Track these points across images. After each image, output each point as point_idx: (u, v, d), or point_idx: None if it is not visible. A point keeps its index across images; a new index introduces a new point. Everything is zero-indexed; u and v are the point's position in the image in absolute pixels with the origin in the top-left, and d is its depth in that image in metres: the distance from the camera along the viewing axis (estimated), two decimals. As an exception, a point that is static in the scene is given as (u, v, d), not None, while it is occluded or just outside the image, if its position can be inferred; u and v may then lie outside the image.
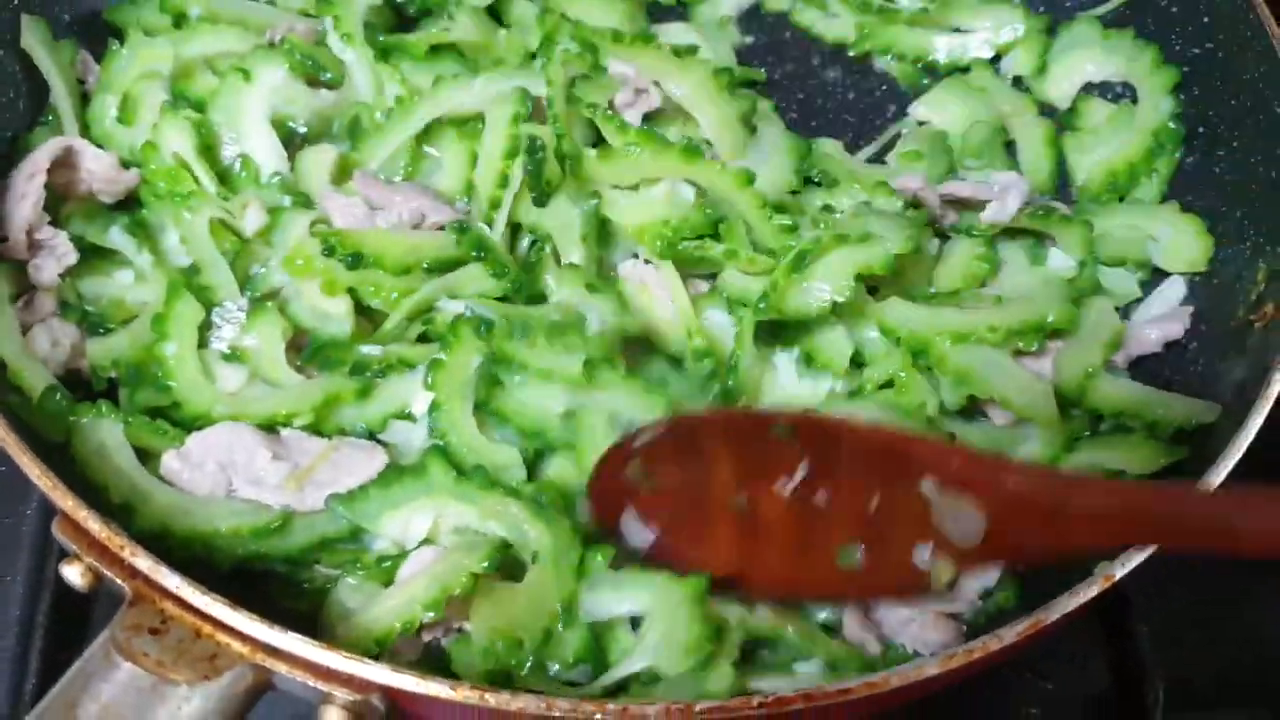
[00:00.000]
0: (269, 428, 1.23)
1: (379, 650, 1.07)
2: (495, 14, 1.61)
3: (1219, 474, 1.11)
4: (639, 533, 1.12)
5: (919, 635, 1.20)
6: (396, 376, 1.27)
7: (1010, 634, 0.99)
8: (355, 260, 1.25)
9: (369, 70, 1.46)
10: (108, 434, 1.18)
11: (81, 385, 1.28)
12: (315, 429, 1.24)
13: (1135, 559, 1.04)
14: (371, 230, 1.28)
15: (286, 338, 1.28)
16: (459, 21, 1.52)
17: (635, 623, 1.16)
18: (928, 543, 1.05)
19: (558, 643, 1.13)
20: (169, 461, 1.18)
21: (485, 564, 1.10)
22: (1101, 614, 1.42)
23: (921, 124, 1.64)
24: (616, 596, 1.15)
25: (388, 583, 1.14)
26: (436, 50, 1.49)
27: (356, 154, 1.42)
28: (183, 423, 1.23)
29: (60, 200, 1.33)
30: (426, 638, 1.15)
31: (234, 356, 1.27)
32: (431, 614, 1.07)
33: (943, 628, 1.20)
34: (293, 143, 1.42)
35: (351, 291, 1.29)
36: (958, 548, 1.04)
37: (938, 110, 1.64)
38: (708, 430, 1.19)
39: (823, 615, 1.22)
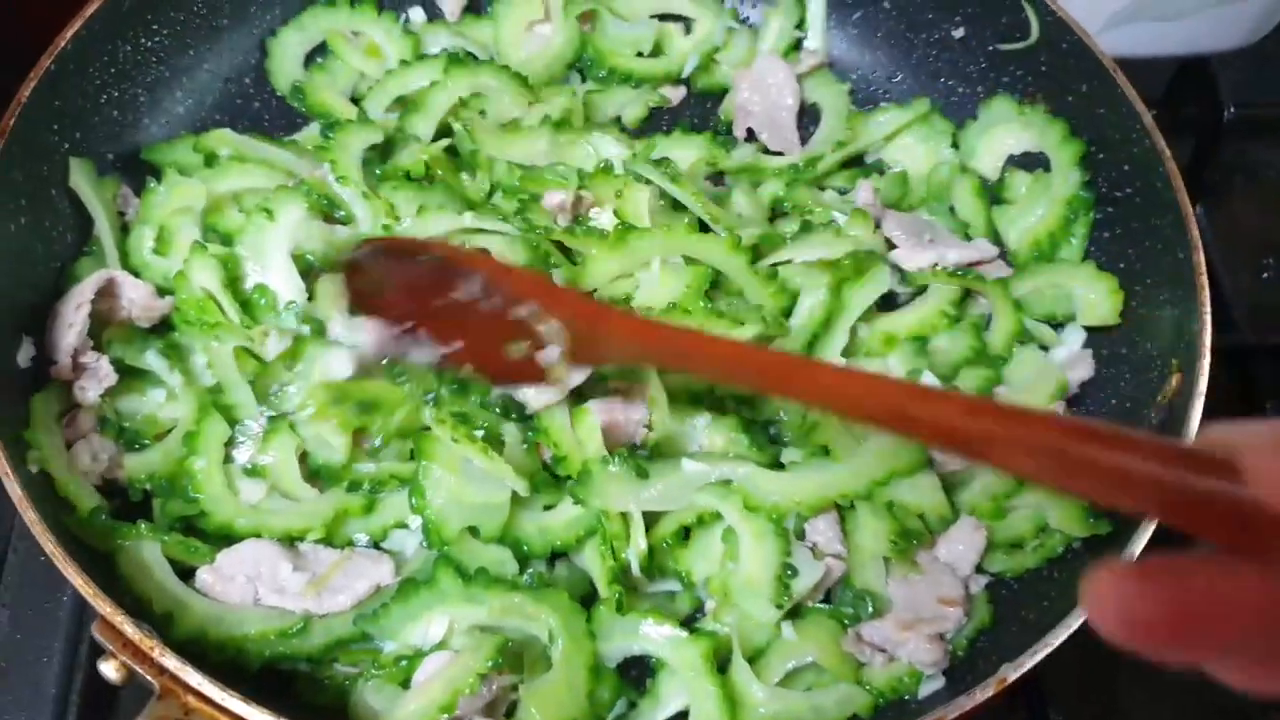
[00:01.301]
0: (288, 540, 1.38)
1: None
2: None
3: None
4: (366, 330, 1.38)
5: (912, 654, 1.37)
6: (396, 490, 1.42)
7: (911, 733, 1.14)
8: (362, 406, 1.41)
9: (366, 205, 1.58)
10: (148, 553, 1.33)
11: (118, 493, 1.42)
12: (327, 541, 1.40)
13: (1028, 664, 1.19)
14: (370, 382, 1.43)
15: (299, 454, 1.43)
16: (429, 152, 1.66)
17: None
18: (543, 348, 1.32)
19: (599, 700, 1.31)
20: (202, 575, 1.34)
21: (490, 664, 1.25)
22: (1028, 707, 1.56)
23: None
24: (628, 640, 1.34)
25: (404, 682, 1.29)
26: (421, 182, 1.63)
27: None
28: (209, 533, 1.38)
29: (102, 325, 1.46)
30: None
31: (254, 472, 1.42)
32: (446, 715, 1.22)
33: (933, 649, 1.36)
34: (309, 273, 1.54)
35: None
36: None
37: (903, 151, 1.81)
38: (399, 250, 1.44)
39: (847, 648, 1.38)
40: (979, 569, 1.46)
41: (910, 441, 1.40)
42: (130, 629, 1.13)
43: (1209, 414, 1.38)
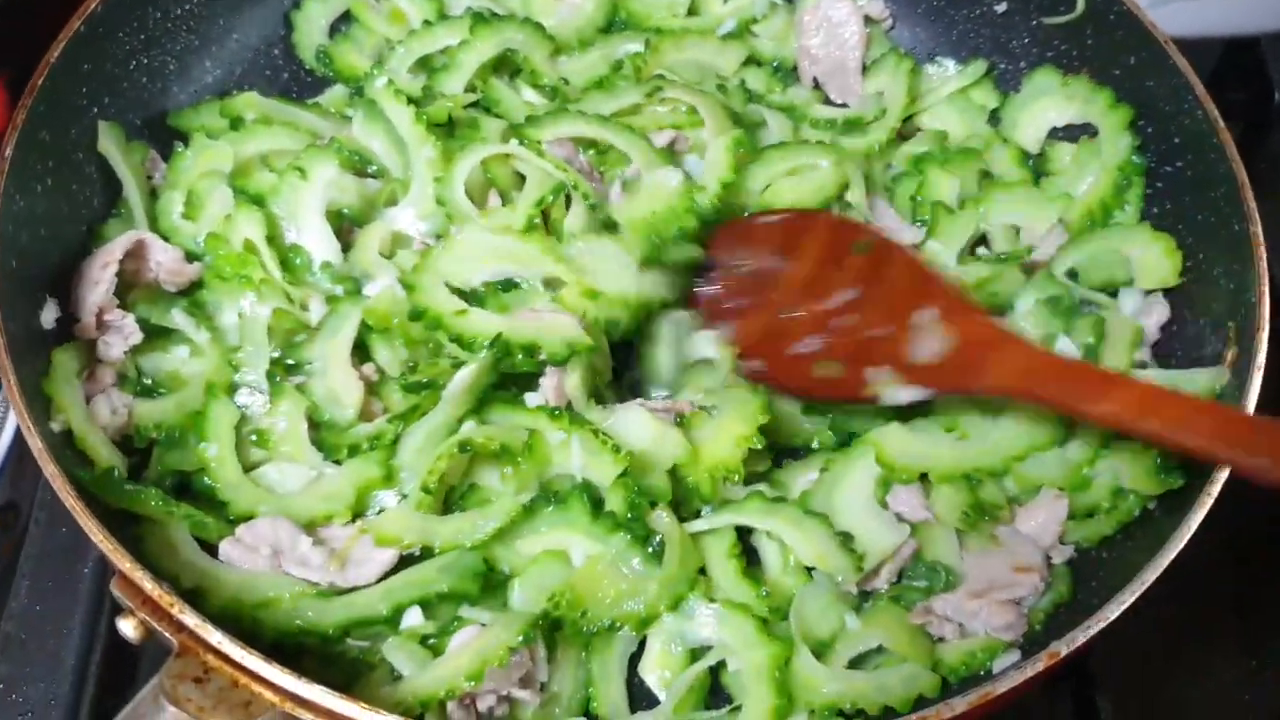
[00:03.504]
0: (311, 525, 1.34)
1: (421, 711, 1.18)
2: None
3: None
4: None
5: (988, 620, 1.33)
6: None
7: (961, 703, 1.09)
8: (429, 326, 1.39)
9: (394, 149, 1.58)
10: (174, 532, 1.31)
11: (137, 451, 1.40)
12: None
13: (1079, 640, 1.14)
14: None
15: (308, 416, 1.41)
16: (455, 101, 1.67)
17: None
18: (881, 368, 1.39)
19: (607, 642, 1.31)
20: (226, 548, 1.30)
21: (521, 639, 1.22)
22: (1074, 693, 1.52)
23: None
24: (697, 626, 1.32)
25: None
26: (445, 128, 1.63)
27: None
28: (230, 519, 1.34)
29: (128, 287, 1.45)
30: (482, 708, 1.25)
31: (260, 440, 1.39)
32: (472, 683, 1.18)
33: (1006, 612, 1.33)
34: (342, 226, 1.53)
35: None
36: (912, 364, 1.38)
37: (938, 119, 1.80)
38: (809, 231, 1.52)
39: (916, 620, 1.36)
40: (1061, 540, 1.43)
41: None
42: (149, 585, 1.10)
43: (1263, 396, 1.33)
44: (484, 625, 1.25)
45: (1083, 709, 1.50)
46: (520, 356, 1.37)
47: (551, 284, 1.45)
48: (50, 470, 1.17)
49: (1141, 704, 1.52)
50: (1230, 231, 1.45)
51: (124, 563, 1.11)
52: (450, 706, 1.22)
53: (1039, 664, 1.13)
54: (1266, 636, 1.62)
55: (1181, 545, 1.20)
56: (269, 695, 1.06)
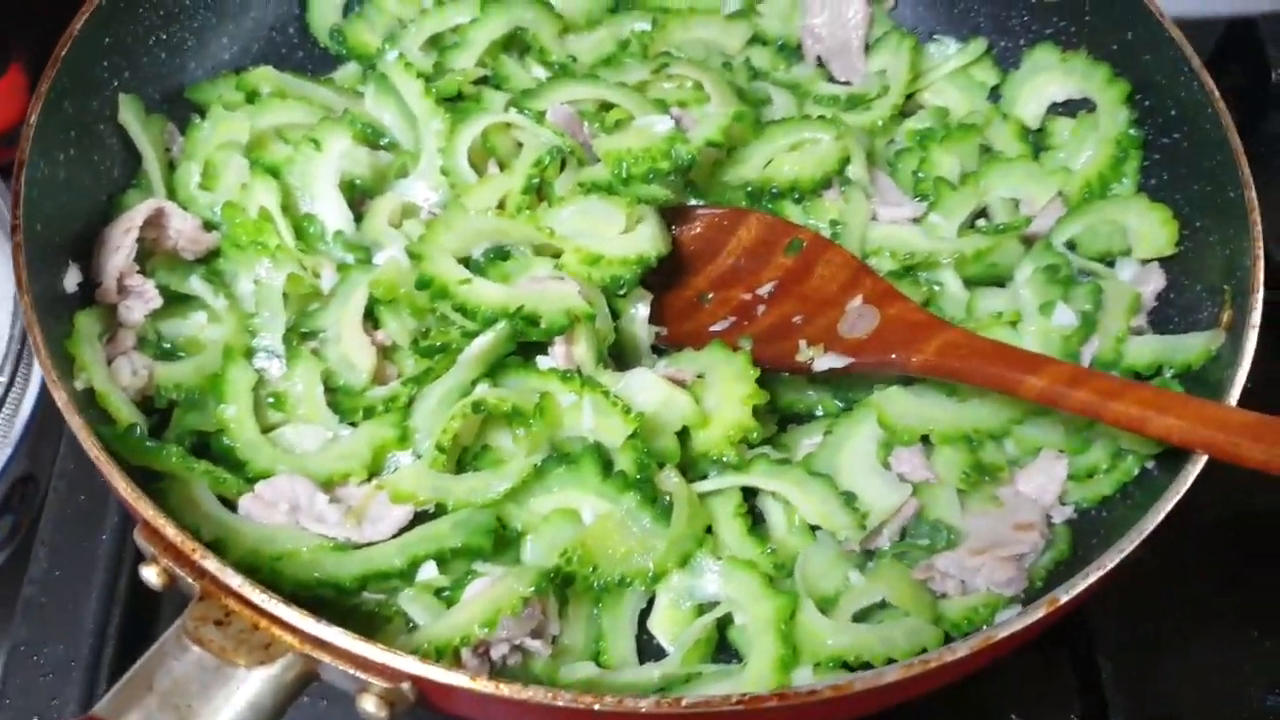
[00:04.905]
0: (329, 484, 1.37)
1: (438, 658, 1.19)
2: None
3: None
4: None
5: (989, 576, 1.35)
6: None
7: (963, 647, 1.10)
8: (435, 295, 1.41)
9: (405, 123, 1.63)
10: (194, 488, 1.33)
11: (157, 411, 1.42)
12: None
13: (1079, 587, 1.15)
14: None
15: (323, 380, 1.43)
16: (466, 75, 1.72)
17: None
18: (813, 344, 1.48)
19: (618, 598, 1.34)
20: (246, 504, 1.33)
21: (532, 588, 1.24)
22: (1072, 650, 1.54)
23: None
24: (705, 583, 1.35)
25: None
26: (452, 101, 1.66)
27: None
28: (248, 478, 1.37)
29: (147, 255, 1.47)
30: (495, 656, 1.27)
31: (277, 403, 1.41)
32: (486, 630, 1.20)
33: (1007, 567, 1.35)
34: (354, 198, 1.56)
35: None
36: (844, 339, 1.48)
37: (940, 96, 1.83)
38: (738, 225, 1.61)
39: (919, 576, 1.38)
40: (1061, 500, 1.45)
41: None
42: (172, 531, 1.12)
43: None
44: (497, 576, 1.28)
45: (1083, 671, 1.52)
46: (522, 326, 1.39)
47: (551, 251, 1.48)
48: (75, 422, 1.19)
49: (1142, 668, 1.54)
50: (1226, 198, 1.48)
51: (147, 510, 1.14)
52: (465, 654, 1.23)
53: (1039, 610, 1.15)
54: (1268, 607, 1.63)
55: (1180, 494, 1.22)
56: (288, 638, 1.08)
